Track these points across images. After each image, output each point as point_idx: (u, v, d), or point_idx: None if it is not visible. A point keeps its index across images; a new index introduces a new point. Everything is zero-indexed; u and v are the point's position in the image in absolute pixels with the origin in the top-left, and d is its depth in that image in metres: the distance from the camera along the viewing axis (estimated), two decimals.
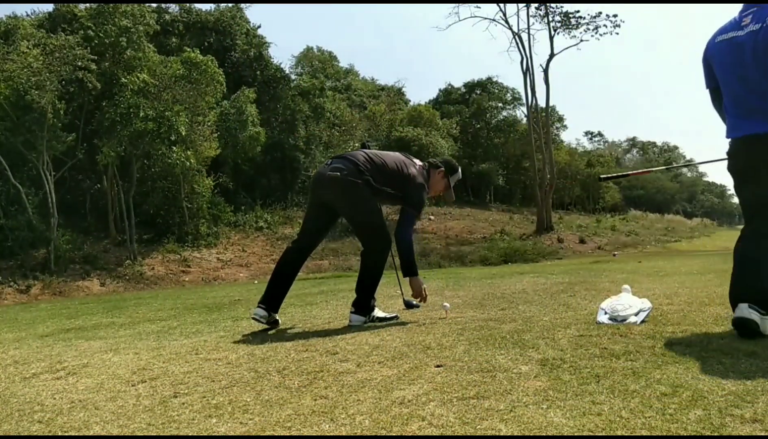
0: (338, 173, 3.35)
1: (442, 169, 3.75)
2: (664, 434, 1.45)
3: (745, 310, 2.33)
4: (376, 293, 3.56)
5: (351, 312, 3.51)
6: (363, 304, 3.48)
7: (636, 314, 2.86)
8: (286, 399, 1.98)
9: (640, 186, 49.68)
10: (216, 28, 24.21)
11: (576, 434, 1.49)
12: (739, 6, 2.55)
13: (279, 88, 24.03)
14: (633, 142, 68.31)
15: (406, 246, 3.49)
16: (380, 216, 3.55)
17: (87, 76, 15.33)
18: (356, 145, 22.76)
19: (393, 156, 3.62)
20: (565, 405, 1.69)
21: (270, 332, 3.45)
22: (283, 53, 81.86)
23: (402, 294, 3.98)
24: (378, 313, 3.51)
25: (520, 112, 38.76)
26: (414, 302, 3.87)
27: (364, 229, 3.53)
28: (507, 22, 29.01)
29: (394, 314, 3.57)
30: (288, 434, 1.66)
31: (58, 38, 15.14)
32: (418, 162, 3.69)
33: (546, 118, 30.60)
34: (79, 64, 15.05)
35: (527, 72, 27.96)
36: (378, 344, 2.76)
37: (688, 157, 69.22)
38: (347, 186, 3.37)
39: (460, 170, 3.88)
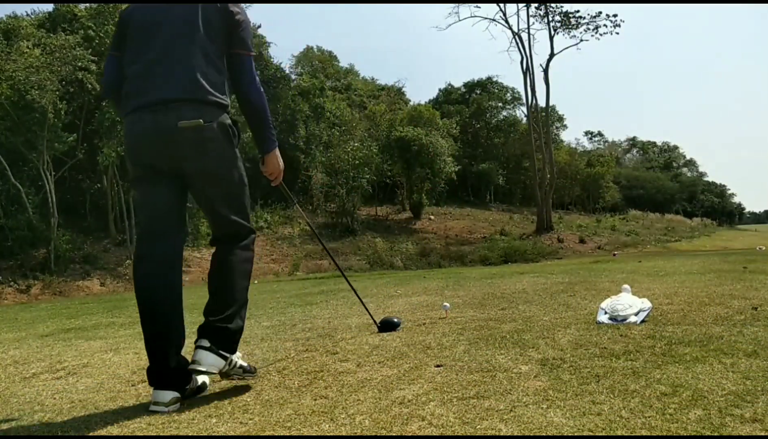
0: (200, 120, 2.07)
1: None
2: (664, 434, 1.45)
3: None
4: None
5: (201, 347, 2.08)
6: (226, 336, 2.14)
7: (636, 314, 2.86)
8: (286, 399, 1.98)
9: (640, 186, 49.70)
10: None
11: (576, 434, 1.49)
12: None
13: (279, 88, 24.07)
14: (633, 142, 68.33)
15: (263, 103, 2.27)
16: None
17: (87, 76, 15.35)
18: (356, 144, 22.76)
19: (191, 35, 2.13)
20: (565, 405, 1.69)
21: (270, 332, 3.45)
22: (283, 53, 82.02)
23: (371, 317, 3.25)
24: (241, 361, 2.24)
25: (520, 112, 38.88)
26: (395, 320, 3.18)
27: (235, 203, 2.26)
28: (507, 21, 29.18)
29: (253, 367, 2.31)
30: (288, 434, 1.66)
31: (58, 38, 15.17)
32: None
33: (546, 118, 30.62)
34: (79, 64, 15.08)
35: (527, 72, 28.03)
36: (378, 344, 2.76)
37: (688, 157, 69.39)
38: (214, 138, 2.12)
39: None
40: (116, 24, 2.32)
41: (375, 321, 3.19)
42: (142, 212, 2.24)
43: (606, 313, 2.93)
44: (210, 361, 2.07)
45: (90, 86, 15.64)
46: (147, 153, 2.12)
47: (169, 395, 2.00)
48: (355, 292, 3.37)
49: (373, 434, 1.60)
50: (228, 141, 2.17)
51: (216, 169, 2.16)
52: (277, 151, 2.38)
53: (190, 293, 8.58)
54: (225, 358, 2.11)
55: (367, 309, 3.30)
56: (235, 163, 2.22)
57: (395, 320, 3.20)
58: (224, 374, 2.17)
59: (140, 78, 2.12)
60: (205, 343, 2.08)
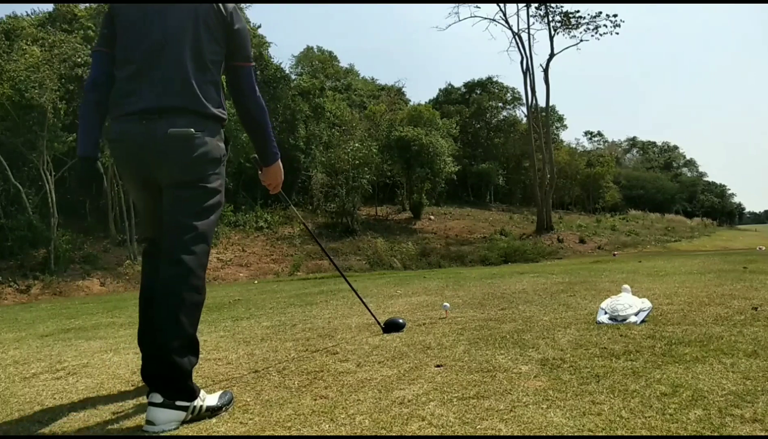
0: (192, 130, 1.97)
1: None
2: (664, 434, 1.45)
3: None
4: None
5: (154, 404, 1.82)
6: (180, 381, 1.85)
7: (636, 314, 2.86)
8: (286, 399, 1.98)
9: (640, 186, 49.69)
10: None
11: (576, 434, 1.48)
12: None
13: (279, 88, 24.04)
14: (633, 142, 68.34)
15: (264, 116, 2.22)
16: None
17: (87, 73, 15.33)
18: (356, 144, 22.82)
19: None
20: (565, 405, 1.69)
21: (270, 332, 3.45)
22: (283, 53, 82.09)
23: (375, 318, 3.21)
24: (209, 398, 1.94)
25: (520, 112, 38.86)
26: (400, 321, 3.15)
27: (203, 219, 2.02)
28: (507, 22, 29.25)
29: (228, 394, 2.02)
30: (288, 434, 1.66)
31: (56, 33, 15.16)
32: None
33: (546, 118, 30.62)
34: (79, 60, 15.06)
35: (527, 72, 28.02)
36: (378, 344, 2.76)
37: (688, 157, 69.39)
38: (197, 150, 1.98)
39: None
40: (103, 18, 2.14)
41: (378, 322, 3.15)
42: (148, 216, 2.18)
43: (606, 313, 2.93)
44: (165, 417, 1.81)
45: None
46: (135, 163, 2.00)
47: None
48: (356, 292, 3.35)
49: (373, 434, 1.60)
50: (214, 160, 2.04)
51: (192, 184, 2.00)
52: (279, 163, 2.33)
53: None
54: (184, 408, 1.84)
55: (369, 310, 3.26)
56: (213, 186, 2.05)
57: (400, 320, 3.14)
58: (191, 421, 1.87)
59: (130, 82, 1.98)
60: (157, 398, 1.82)
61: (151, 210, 2.11)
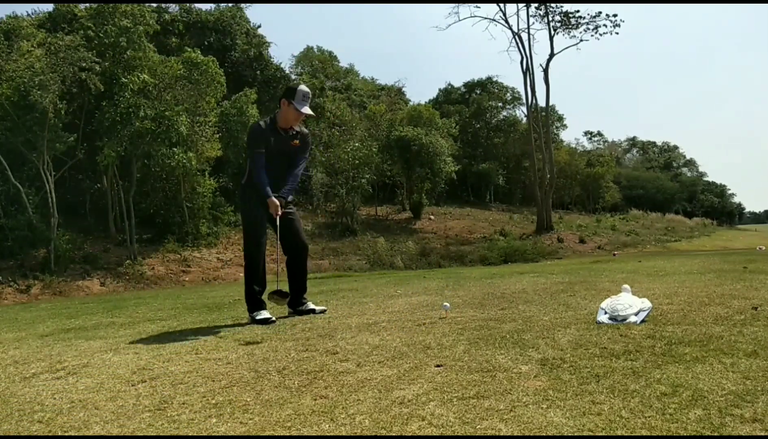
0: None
1: (282, 99, 3.96)
2: (664, 434, 1.45)
3: None
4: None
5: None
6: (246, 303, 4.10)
7: (636, 314, 2.87)
8: (286, 399, 1.98)
9: (640, 186, 49.66)
10: (216, 28, 24.22)
11: (576, 434, 1.49)
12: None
13: (279, 88, 24.02)
14: (633, 142, 68.25)
15: (257, 182, 3.90)
16: (249, 222, 4.06)
17: (91, 77, 15.28)
18: (356, 144, 22.89)
19: None
20: (565, 405, 1.69)
21: (270, 332, 3.45)
22: (283, 53, 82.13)
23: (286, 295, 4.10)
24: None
25: (520, 112, 38.82)
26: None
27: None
28: (507, 21, 29.17)
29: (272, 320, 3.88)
30: (288, 434, 1.66)
31: (64, 38, 15.12)
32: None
33: (546, 118, 30.62)
34: (84, 65, 15.03)
35: (527, 72, 28.00)
36: (378, 344, 2.76)
37: (688, 157, 69.26)
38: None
39: (301, 86, 3.98)
40: None
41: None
42: None
43: (606, 313, 2.93)
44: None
45: (93, 87, 15.55)
46: None
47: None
48: None
49: (373, 434, 1.61)
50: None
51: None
52: (272, 200, 3.90)
53: (190, 293, 8.59)
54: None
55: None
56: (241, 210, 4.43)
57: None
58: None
59: None
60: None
61: None
